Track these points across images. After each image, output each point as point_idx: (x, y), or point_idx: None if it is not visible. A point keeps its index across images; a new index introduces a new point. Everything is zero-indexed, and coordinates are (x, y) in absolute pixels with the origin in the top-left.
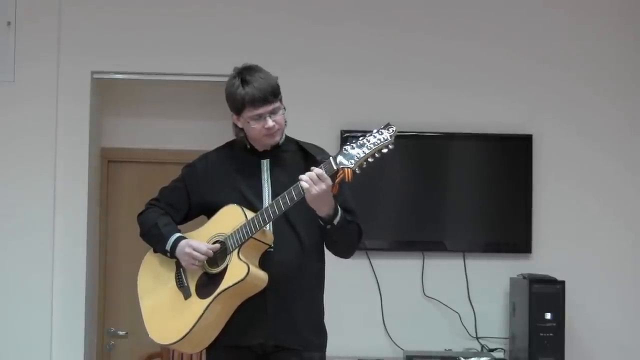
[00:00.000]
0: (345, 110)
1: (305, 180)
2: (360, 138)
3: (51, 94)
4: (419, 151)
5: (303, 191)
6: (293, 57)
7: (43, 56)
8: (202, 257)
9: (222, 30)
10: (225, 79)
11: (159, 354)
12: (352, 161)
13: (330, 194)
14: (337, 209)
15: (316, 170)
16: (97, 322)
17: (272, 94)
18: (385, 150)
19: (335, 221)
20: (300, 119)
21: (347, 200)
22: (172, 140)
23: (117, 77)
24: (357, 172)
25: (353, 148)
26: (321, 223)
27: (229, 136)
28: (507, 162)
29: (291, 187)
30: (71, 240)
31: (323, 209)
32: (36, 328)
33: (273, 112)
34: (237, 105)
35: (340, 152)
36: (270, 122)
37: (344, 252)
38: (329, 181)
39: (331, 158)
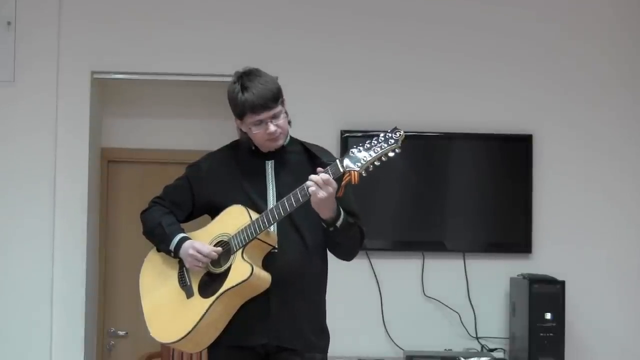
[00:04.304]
0: (346, 111)
1: (311, 184)
2: (367, 141)
3: (51, 94)
4: (419, 151)
5: (308, 194)
6: (293, 57)
7: (43, 56)
8: (206, 259)
9: (223, 30)
10: (226, 79)
11: (159, 354)
12: (359, 164)
13: (334, 197)
14: (340, 211)
15: (322, 175)
16: (97, 322)
17: (273, 100)
18: (391, 154)
19: (338, 223)
20: (300, 119)
21: (351, 203)
22: (172, 140)
23: (117, 77)
24: (364, 175)
25: (360, 151)
26: (324, 225)
27: (230, 136)
28: (507, 162)
29: (297, 189)
30: (71, 241)
31: (326, 213)
32: (36, 328)
33: (274, 117)
34: (238, 111)
35: (346, 154)
36: (272, 128)
37: (346, 254)
38: (335, 185)
39: (338, 160)
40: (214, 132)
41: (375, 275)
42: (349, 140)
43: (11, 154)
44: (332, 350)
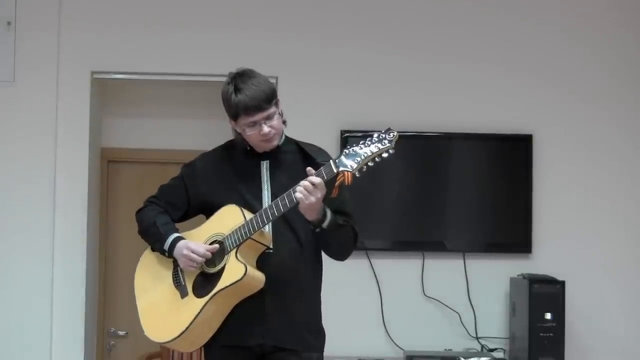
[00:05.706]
0: (345, 111)
1: (300, 190)
2: (361, 141)
3: (51, 94)
4: (419, 151)
5: (295, 199)
6: (293, 57)
7: (43, 56)
8: (200, 259)
9: (223, 31)
10: (225, 79)
11: (159, 353)
12: (353, 164)
13: (321, 201)
14: (326, 213)
15: (310, 179)
16: (97, 322)
17: (266, 101)
18: (385, 155)
19: (324, 224)
20: (300, 119)
21: (345, 204)
22: (172, 140)
23: (117, 77)
24: (357, 175)
25: (354, 151)
26: (311, 227)
27: (229, 136)
28: (507, 162)
29: (291, 190)
30: (71, 241)
31: (311, 215)
32: (36, 328)
33: (268, 118)
34: (232, 113)
35: (340, 154)
36: (265, 129)
37: (337, 254)
38: (325, 190)
39: (331, 161)
40: (213, 132)
41: (375, 275)
42: (348, 140)
43: (11, 154)
44: (332, 351)
